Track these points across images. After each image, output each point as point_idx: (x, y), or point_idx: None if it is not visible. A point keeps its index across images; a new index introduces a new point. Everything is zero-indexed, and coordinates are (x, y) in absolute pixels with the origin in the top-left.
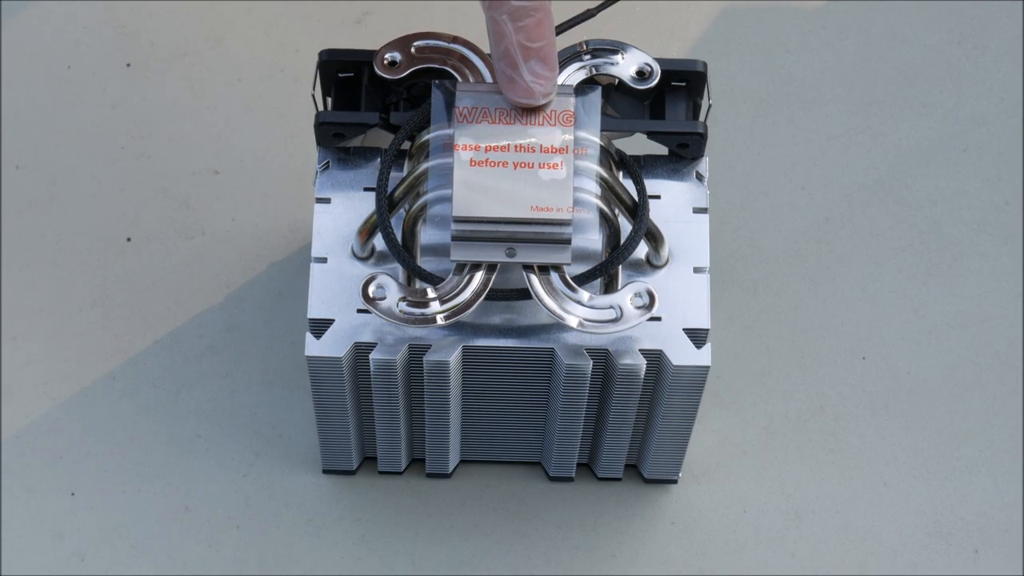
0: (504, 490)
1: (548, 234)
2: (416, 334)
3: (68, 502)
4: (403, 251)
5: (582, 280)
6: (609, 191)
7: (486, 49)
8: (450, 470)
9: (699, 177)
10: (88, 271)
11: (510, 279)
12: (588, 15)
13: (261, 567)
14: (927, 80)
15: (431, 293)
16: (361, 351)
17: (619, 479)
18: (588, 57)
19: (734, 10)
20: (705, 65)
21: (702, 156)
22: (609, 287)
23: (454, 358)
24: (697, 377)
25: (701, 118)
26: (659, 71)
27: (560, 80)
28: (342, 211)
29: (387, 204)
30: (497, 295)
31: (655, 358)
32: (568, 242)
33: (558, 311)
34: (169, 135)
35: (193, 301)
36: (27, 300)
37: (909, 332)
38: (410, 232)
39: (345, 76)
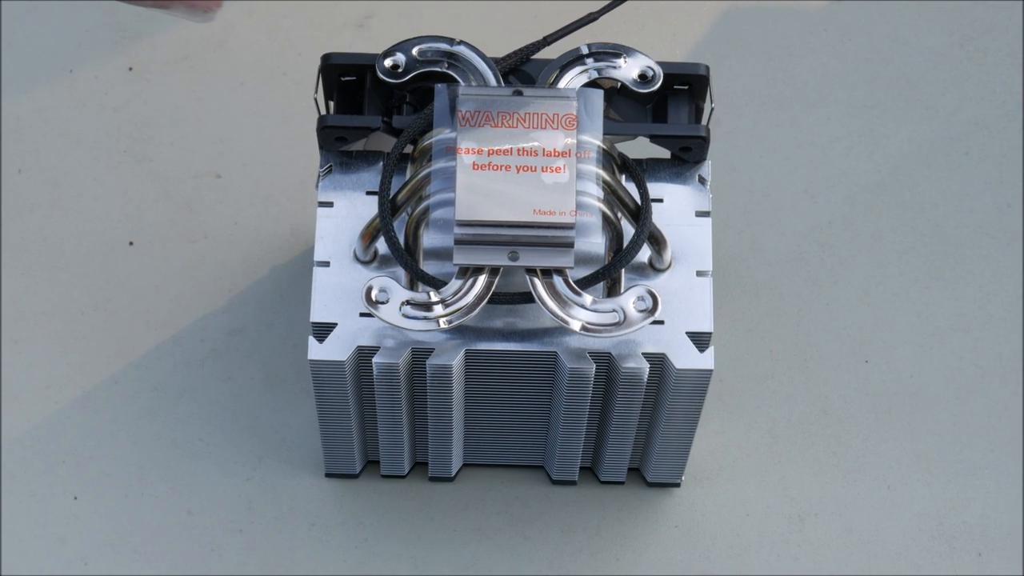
0: (507, 494)
1: (551, 238)
2: (419, 338)
3: (70, 506)
4: (406, 255)
5: (585, 284)
6: (612, 194)
7: (489, 52)
8: (453, 474)
9: (702, 180)
10: (90, 274)
11: (513, 283)
12: (590, 18)
13: (264, 571)
14: (929, 82)
15: (434, 297)
16: (364, 355)
17: (622, 483)
18: (591, 61)
19: (736, 12)
20: (707, 68)
21: (704, 159)
22: (612, 291)
23: (457, 362)
24: (700, 381)
25: (703, 121)
26: (661, 74)
27: (562, 84)
28: (345, 215)
29: (390, 208)
30: (500, 299)
31: (658, 362)
32: (571, 246)
33: (561, 315)
34: (171, 138)
35: (195, 305)
36: (29, 303)
37: (912, 335)
38: (413, 236)
39: (347, 80)
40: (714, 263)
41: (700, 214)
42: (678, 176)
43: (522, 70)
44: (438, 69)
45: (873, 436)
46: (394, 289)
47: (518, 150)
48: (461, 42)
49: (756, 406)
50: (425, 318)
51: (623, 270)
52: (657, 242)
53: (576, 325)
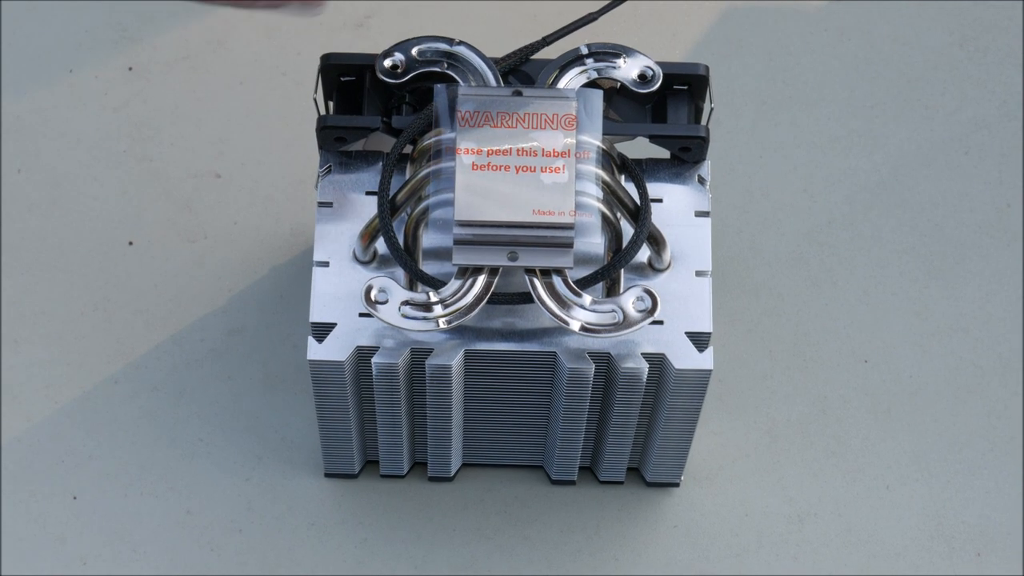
0: (506, 493)
1: (550, 238)
2: (418, 338)
3: (70, 506)
4: (405, 255)
5: (584, 284)
6: (611, 195)
7: (488, 52)
8: (452, 473)
9: (701, 180)
10: (90, 274)
11: (512, 283)
12: (590, 18)
13: (263, 570)
14: (929, 82)
15: (433, 297)
16: (363, 355)
17: (621, 482)
18: (590, 61)
19: (736, 12)
20: (707, 68)
21: (704, 159)
22: (611, 291)
23: (456, 362)
24: (699, 381)
25: (703, 121)
26: (661, 74)
27: (562, 84)
28: (344, 215)
29: (389, 208)
30: (499, 299)
31: (657, 362)
32: (570, 246)
33: (560, 315)
34: (171, 138)
35: (195, 304)
36: (29, 303)
37: (911, 335)
38: (412, 236)
39: (347, 80)
40: (713, 263)
41: (699, 214)
42: (677, 176)
43: (521, 70)
44: (437, 69)
45: (872, 436)
46: (393, 289)
47: (517, 150)
48: (460, 42)
49: (755, 406)
50: (424, 318)
51: (622, 270)
52: (656, 242)
53: (575, 325)
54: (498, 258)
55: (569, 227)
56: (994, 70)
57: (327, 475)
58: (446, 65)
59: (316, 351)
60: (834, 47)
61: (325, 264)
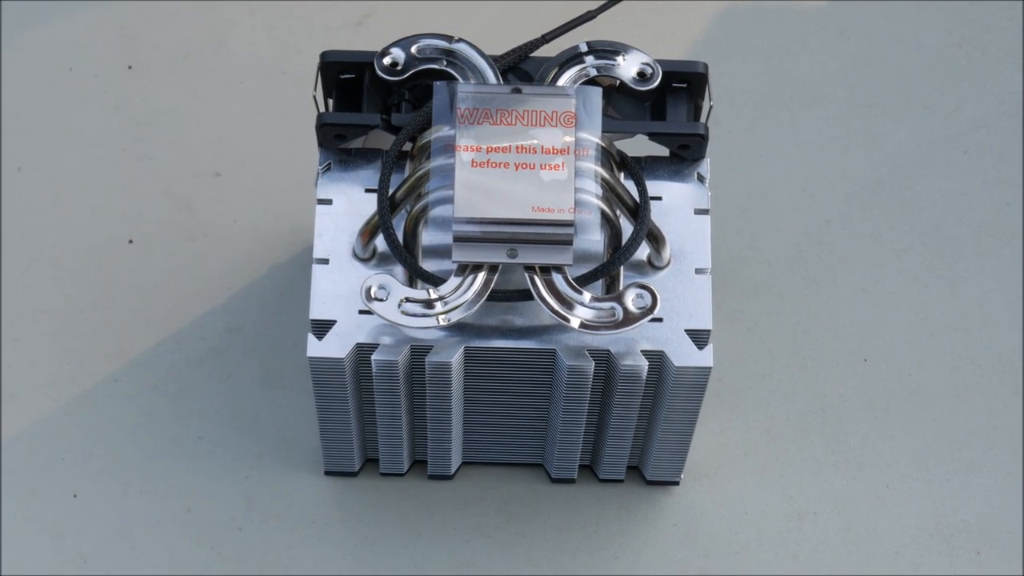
0: (506, 492)
1: (549, 235)
2: (418, 335)
3: (70, 504)
4: (404, 252)
5: (584, 281)
6: (610, 192)
7: (488, 50)
8: (452, 472)
9: (700, 178)
10: (90, 273)
11: (512, 280)
12: (589, 16)
13: (263, 569)
14: (928, 82)
15: (432, 294)
16: (363, 352)
17: (621, 481)
18: (589, 58)
19: (735, 11)
20: (706, 66)
21: (703, 157)
22: (611, 288)
23: (456, 359)
24: (699, 378)
25: (702, 119)
26: (660, 72)
27: (561, 81)
28: (344, 212)
29: (388, 205)
30: (499, 296)
31: (657, 359)
32: (570, 243)
33: (560, 312)
34: (171, 137)
35: (195, 303)
36: (29, 302)
37: (911, 334)
38: (411, 233)
39: (346, 77)
40: (713, 261)
41: (699, 212)
42: (677, 174)
43: (521, 68)
44: (437, 67)
45: (872, 434)
46: (393, 286)
47: (517, 147)
48: (460, 40)
49: (755, 404)
50: (424, 315)
51: (622, 267)
52: (656, 240)
53: (575, 322)
54: (498, 255)
55: (569, 224)
56: (993, 69)
57: (327, 473)
58: (445, 62)
59: (316, 348)
60: (833, 46)
61: (325, 261)
